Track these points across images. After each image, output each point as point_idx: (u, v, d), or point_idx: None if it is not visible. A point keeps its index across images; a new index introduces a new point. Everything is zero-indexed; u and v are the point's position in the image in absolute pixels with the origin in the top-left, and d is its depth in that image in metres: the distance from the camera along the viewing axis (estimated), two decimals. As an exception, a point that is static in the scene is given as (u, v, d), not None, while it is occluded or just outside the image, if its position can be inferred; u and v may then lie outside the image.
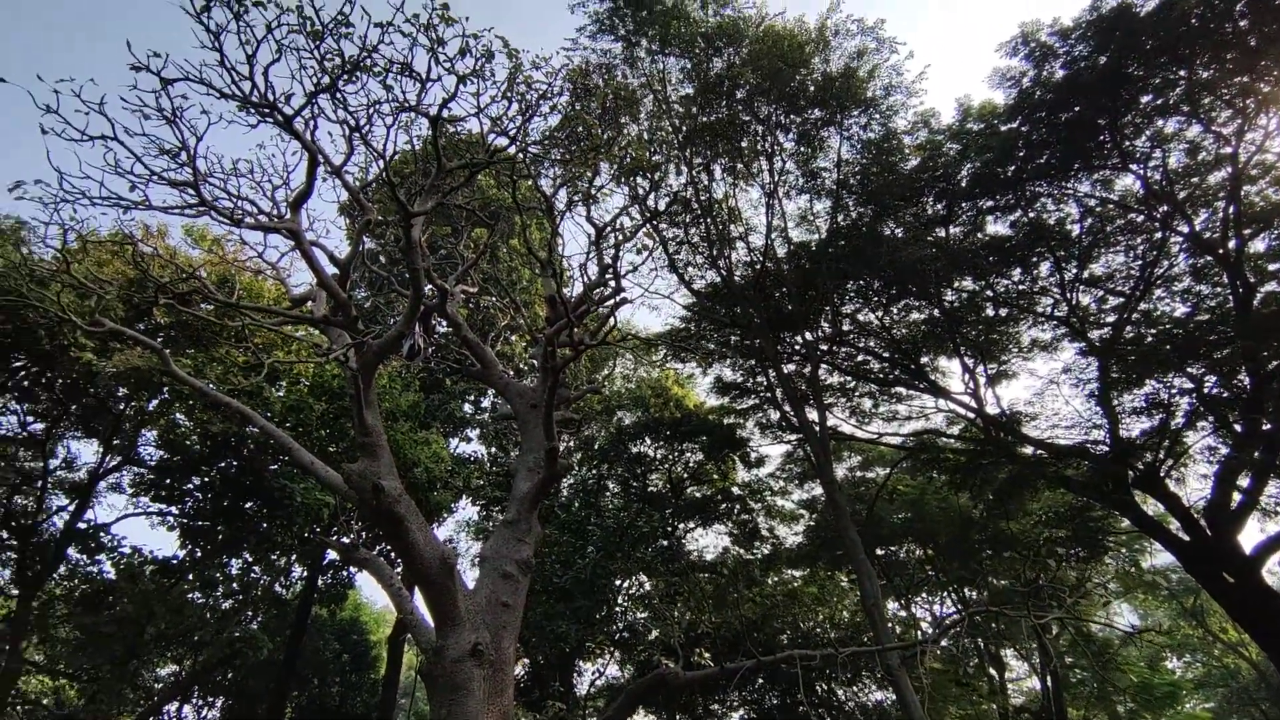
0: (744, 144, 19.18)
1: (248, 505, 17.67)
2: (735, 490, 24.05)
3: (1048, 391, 18.85)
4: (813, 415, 19.75)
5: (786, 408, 20.85)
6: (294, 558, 20.08)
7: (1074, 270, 17.40)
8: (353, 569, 22.58)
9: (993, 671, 26.04)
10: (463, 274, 11.50)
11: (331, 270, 9.58)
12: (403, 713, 31.43)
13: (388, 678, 23.14)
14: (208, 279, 11.48)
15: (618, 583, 19.07)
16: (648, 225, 10.06)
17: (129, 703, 20.05)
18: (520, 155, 10.03)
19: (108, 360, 14.94)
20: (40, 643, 20.25)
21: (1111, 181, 16.99)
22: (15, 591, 19.82)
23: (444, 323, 12.66)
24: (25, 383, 17.23)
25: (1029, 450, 18.18)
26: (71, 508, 18.99)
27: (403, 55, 8.46)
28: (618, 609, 19.02)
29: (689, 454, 23.09)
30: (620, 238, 9.51)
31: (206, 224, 18.26)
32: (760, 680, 17.71)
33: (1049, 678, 23.36)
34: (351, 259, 9.18)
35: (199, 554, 17.97)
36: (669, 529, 21.52)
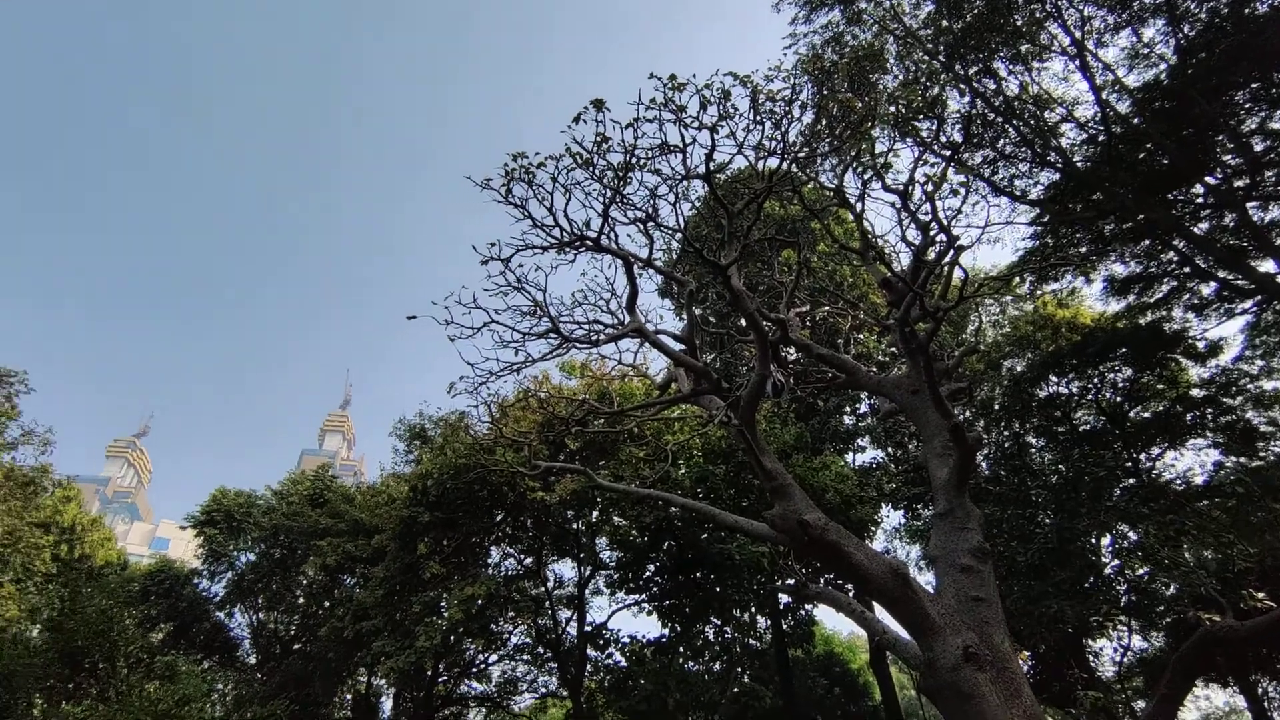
0: (1018, 21, 16.55)
1: (697, 575, 19.43)
2: (1195, 393, 19.51)
3: None
4: (1265, 266, 15.43)
5: (1221, 273, 16.62)
6: (753, 610, 21.36)
7: None
8: (808, 606, 23.23)
9: None
10: (789, 299, 11.56)
11: (679, 347, 10.40)
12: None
13: (887, 702, 22.89)
14: (591, 399, 13.31)
15: (1095, 541, 16.47)
16: (952, 163, 9.11)
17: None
18: (793, 166, 9.91)
19: (551, 493, 18.06)
20: (596, 730, 24.31)
21: None
22: (564, 693, 24.34)
23: (793, 350, 12.80)
24: (508, 529, 21.61)
25: None
26: (574, 617, 22.91)
27: (656, 137, 9.14)
28: (1108, 571, 16.34)
29: (1110, 374, 19.50)
30: (930, 188, 8.73)
31: (572, 355, 21.33)
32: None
33: None
34: (691, 330, 9.83)
35: (678, 628, 20.12)
36: (1128, 464, 18.14)
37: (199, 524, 27.28)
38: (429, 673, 24.00)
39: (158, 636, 23.65)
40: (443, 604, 18.79)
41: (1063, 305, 20.61)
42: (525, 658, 25.43)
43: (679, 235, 10.75)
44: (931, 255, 9.67)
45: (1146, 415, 19.49)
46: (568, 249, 9.49)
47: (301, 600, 28.00)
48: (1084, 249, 17.70)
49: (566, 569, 23.97)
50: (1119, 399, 19.09)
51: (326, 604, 26.42)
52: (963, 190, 9.30)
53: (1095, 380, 18.70)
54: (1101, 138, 16.50)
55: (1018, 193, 17.82)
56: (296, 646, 26.93)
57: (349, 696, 27.51)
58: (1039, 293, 20.17)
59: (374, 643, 19.49)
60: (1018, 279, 18.94)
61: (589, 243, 9.44)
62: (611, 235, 9.57)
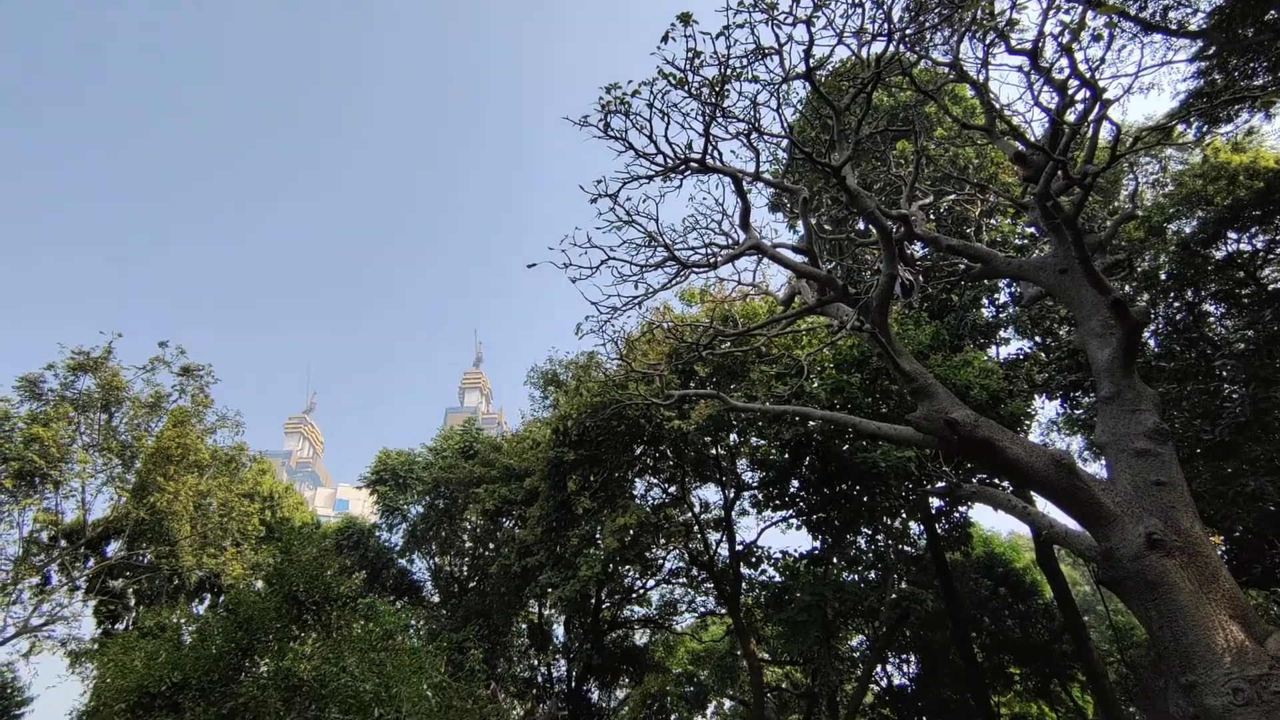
0: None
1: (842, 487, 19.26)
2: None
3: None
4: None
5: None
6: (904, 516, 21.00)
7: None
8: (963, 508, 22.55)
9: None
10: (910, 192, 10.85)
11: (798, 258, 10.08)
12: (1093, 629, 29.40)
13: (1060, 598, 22.05)
14: (715, 323, 13.26)
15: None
16: (1092, 4, 8.03)
17: (840, 673, 23.16)
18: (900, 46, 9.13)
19: (687, 420, 18.33)
20: (758, 643, 25.10)
21: None
22: (723, 611, 25.24)
23: (921, 245, 12.09)
24: (649, 460, 22.25)
25: None
26: (724, 538, 23.47)
27: (749, 43, 8.68)
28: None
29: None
30: (1066, 38, 7.76)
31: (690, 282, 21.23)
32: None
33: None
34: (810, 238, 9.48)
35: (829, 540, 20.17)
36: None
37: (371, 483, 30.19)
38: (593, 600, 25.60)
39: (355, 584, 26.58)
40: (597, 536, 19.82)
41: (1238, 149, 17.90)
42: (681, 580, 26.51)
43: (785, 142, 10.27)
44: (1071, 118, 8.69)
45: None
46: (673, 174, 9.35)
47: (469, 544, 30.48)
48: (1260, 80, 15.17)
49: (710, 493, 24.48)
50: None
51: (491, 545, 28.59)
52: (1106, 34, 8.21)
53: (1286, 231, 16.33)
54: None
55: (1173, 26, 15.44)
56: (472, 585, 29.48)
57: (524, 625, 29.92)
58: (1208, 139, 17.60)
59: (540, 576, 20.96)
60: (1180, 126, 16.59)
61: (694, 164, 9.24)
62: (715, 154, 9.32)
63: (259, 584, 18.63)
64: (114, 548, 24.50)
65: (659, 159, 9.29)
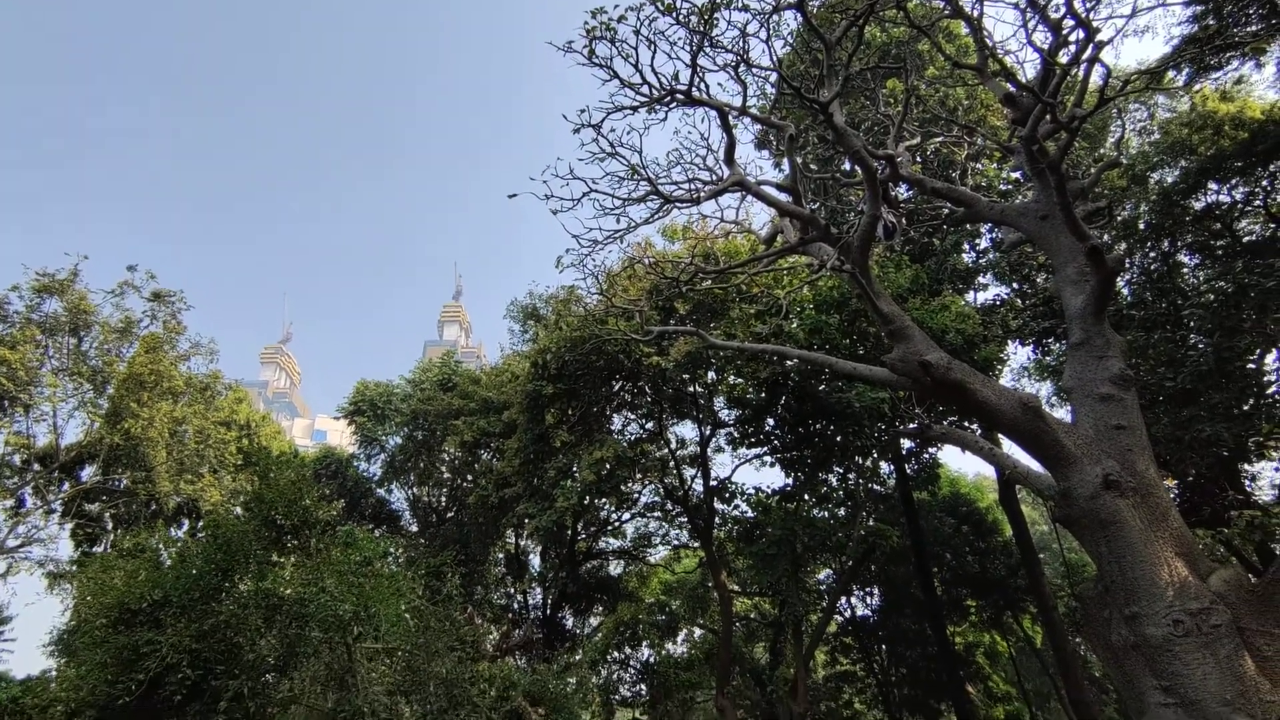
0: None
1: (817, 426, 19.61)
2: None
3: None
4: None
5: None
6: (875, 456, 21.50)
7: None
8: (932, 449, 23.13)
9: None
10: (897, 132, 10.73)
11: (782, 197, 9.99)
12: (1048, 565, 30.72)
13: (1018, 536, 22.94)
14: (695, 261, 13.21)
15: (1258, 359, 15.04)
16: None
17: (806, 604, 24.08)
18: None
19: (666, 357, 18.41)
20: (729, 575, 25.94)
21: None
22: (696, 544, 25.96)
23: (905, 187, 12.03)
24: (627, 396, 22.42)
25: None
26: (699, 474, 23.93)
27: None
28: (1272, 390, 14.99)
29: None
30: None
31: (673, 219, 21.01)
32: None
33: None
34: (794, 176, 9.38)
35: (801, 477, 20.64)
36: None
37: (349, 414, 30.18)
38: (569, 531, 26.13)
39: (334, 511, 26.86)
40: (574, 469, 20.09)
41: (1227, 98, 17.76)
42: (656, 515, 27.10)
43: (773, 77, 10.05)
44: (1064, 60, 8.56)
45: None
46: (658, 106, 9.13)
47: (447, 475, 30.79)
48: (1254, 26, 14.98)
49: (687, 430, 24.80)
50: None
51: (469, 476, 28.91)
52: (1103, -28, 8.04)
53: (1264, 183, 16.37)
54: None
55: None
56: (450, 515, 29.95)
57: (501, 555, 30.59)
58: (1197, 86, 17.40)
59: (517, 507, 21.31)
60: (1171, 73, 16.39)
61: (680, 96, 9.02)
62: (702, 86, 9.10)
63: (238, 509, 18.76)
64: (89, 472, 24.43)
65: (644, 89, 9.06)
